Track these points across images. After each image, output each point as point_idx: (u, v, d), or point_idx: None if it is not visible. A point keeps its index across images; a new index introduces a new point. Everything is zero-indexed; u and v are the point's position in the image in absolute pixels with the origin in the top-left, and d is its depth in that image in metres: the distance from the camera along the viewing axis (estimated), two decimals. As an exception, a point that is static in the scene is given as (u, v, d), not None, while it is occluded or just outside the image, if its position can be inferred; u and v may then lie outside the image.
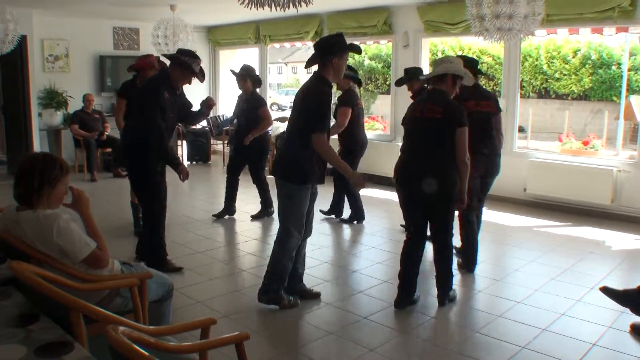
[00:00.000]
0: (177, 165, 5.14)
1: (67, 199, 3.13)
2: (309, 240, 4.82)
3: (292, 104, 5.40)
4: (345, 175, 4.48)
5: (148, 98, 5.11)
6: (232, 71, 7.42)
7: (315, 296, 4.78)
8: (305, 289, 4.79)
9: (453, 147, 4.31)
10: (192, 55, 5.21)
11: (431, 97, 4.48)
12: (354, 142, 6.97)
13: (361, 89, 7.25)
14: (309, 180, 4.39)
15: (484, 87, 5.71)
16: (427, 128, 4.37)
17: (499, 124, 5.36)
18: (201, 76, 5.26)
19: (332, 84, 4.46)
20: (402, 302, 4.59)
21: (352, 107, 6.83)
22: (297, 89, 4.63)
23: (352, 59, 17.11)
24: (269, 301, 4.54)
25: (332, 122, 5.75)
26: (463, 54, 5.80)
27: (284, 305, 4.53)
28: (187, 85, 5.36)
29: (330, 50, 4.31)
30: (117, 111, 6.88)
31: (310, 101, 4.33)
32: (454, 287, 4.76)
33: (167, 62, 5.43)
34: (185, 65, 5.12)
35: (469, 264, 5.42)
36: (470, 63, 5.28)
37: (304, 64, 4.66)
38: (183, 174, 5.15)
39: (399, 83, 6.63)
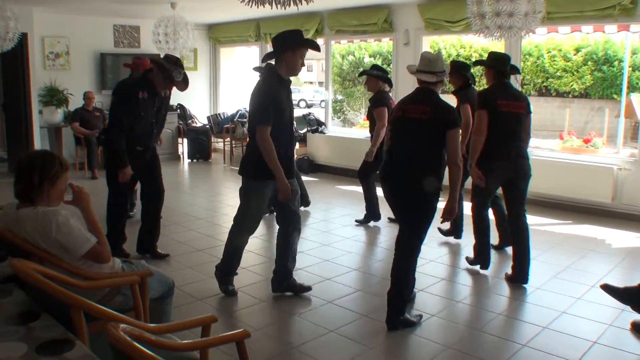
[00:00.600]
0: (120, 166, 5.25)
1: (67, 195, 3.14)
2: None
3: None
4: (277, 180, 4.31)
5: (116, 96, 5.37)
6: (256, 68, 7.44)
7: (306, 289, 4.81)
8: (296, 284, 4.81)
9: (439, 148, 4.06)
10: (176, 63, 5.25)
11: (418, 97, 4.20)
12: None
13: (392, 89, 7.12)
14: (269, 176, 4.34)
15: (514, 86, 5.50)
16: (410, 129, 4.12)
17: (528, 126, 5.21)
18: (183, 85, 5.31)
19: (286, 79, 4.44)
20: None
21: (388, 107, 6.68)
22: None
23: (352, 56, 17.10)
24: (218, 277, 4.83)
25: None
26: (492, 51, 5.64)
27: (223, 290, 4.79)
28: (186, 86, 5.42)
29: (284, 44, 4.31)
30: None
31: (255, 95, 4.40)
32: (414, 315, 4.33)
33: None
34: (167, 72, 5.17)
35: (480, 261, 5.40)
36: (503, 61, 5.17)
37: (262, 58, 4.71)
38: (121, 176, 5.28)
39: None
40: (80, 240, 2.92)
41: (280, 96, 4.36)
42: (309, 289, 4.83)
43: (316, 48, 4.48)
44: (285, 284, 4.77)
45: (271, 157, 4.24)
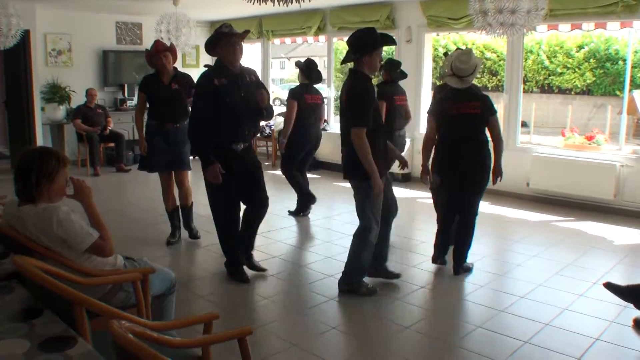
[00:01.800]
0: (206, 164, 4.73)
1: (69, 190, 3.13)
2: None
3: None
4: (373, 179, 4.33)
5: (195, 91, 4.99)
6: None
7: (396, 276, 5.01)
8: (388, 271, 5.01)
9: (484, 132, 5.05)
10: (220, 27, 4.79)
11: (461, 95, 4.97)
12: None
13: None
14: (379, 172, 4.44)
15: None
16: (469, 121, 4.95)
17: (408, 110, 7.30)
18: (242, 32, 4.83)
19: (371, 77, 4.55)
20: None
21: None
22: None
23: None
24: (350, 290, 4.72)
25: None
26: (388, 57, 6.48)
27: (363, 293, 4.68)
28: None
29: (365, 47, 4.36)
30: (137, 106, 6.45)
31: (350, 98, 4.39)
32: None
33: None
34: (219, 35, 4.72)
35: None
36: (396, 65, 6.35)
37: (341, 61, 4.70)
38: (207, 175, 4.77)
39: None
40: (81, 236, 2.92)
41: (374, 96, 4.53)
42: (398, 275, 5.03)
43: (393, 43, 4.67)
44: (379, 269, 4.97)
45: (367, 156, 4.30)
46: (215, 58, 4.85)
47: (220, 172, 4.71)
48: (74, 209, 3.04)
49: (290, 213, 7.35)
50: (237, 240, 5.11)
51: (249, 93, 4.81)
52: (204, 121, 4.72)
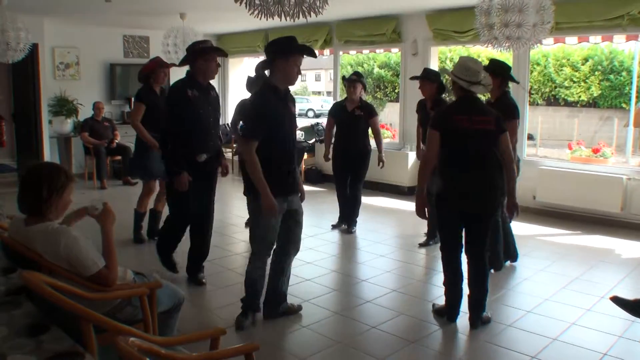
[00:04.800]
0: (179, 172, 4.93)
1: (96, 209, 3.16)
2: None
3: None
4: (261, 195, 4.01)
5: (168, 101, 5.17)
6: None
7: (298, 310, 4.66)
8: (288, 306, 4.62)
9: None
10: (200, 42, 5.08)
11: (475, 107, 4.23)
12: None
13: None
14: (275, 192, 4.05)
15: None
16: (479, 139, 4.14)
17: None
18: (220, 51, 5.26)
19: (282, 89, 4.14)
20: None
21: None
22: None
23: (361, 68, 17.15)
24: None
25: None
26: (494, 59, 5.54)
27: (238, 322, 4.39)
28: None
29: (276, 52, 4.06)
30: (133, 114, 6.67)
31: (247, 107, 4.38)
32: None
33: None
34: (200, 50, 4.92)
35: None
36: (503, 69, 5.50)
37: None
38: (176, 183, 4.96)
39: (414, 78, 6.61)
40: (86, 262, 2.90)
41: (277, 109, 4.08)
42: (300, 308, 4.69)
43: (311, 54, 4.19)
44: (280, 309, 4.57)
45: (253, 172, 3.99)
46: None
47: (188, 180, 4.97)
48: (87, 235, 3.03)
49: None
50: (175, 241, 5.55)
51: (214, 107, 5.20)
52: (178, 130, 4.91)
